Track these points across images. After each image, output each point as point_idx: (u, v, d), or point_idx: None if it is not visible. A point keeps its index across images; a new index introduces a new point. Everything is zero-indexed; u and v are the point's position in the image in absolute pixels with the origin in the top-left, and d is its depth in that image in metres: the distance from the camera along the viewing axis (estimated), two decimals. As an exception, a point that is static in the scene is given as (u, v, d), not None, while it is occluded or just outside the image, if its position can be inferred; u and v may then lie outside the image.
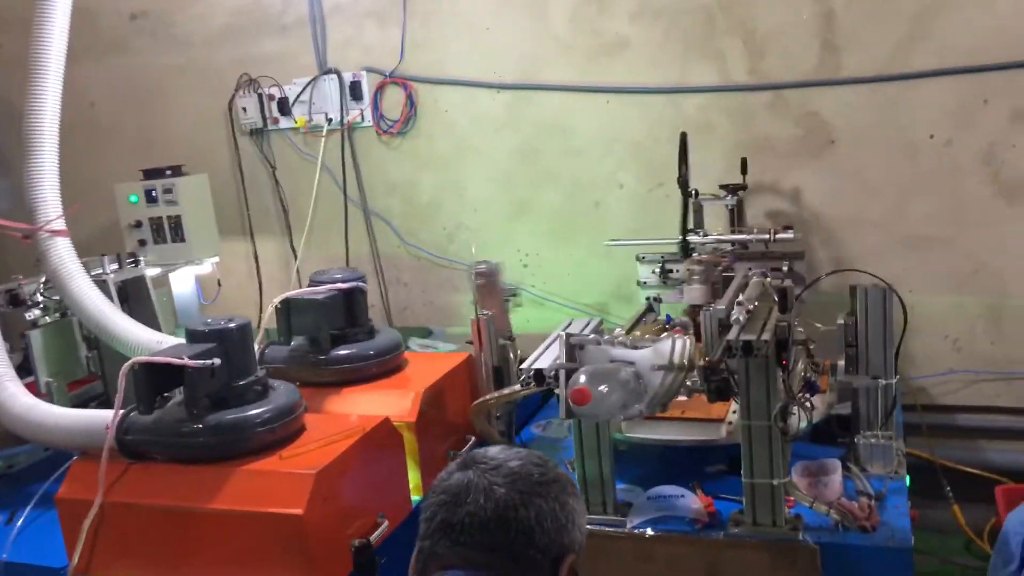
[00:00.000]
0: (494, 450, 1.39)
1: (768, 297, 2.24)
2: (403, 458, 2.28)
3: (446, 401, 2.54)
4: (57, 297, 2.83)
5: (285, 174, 4.05)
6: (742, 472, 2.13)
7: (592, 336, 1.92)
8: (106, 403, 2.61)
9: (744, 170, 3.18)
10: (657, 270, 3.10)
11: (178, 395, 2.08)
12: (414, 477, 2.36)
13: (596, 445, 2.23)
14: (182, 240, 3.70)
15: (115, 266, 3.10)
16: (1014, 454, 3.23)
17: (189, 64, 4.09)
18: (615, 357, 1.90)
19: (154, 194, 3.69)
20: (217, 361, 1.97)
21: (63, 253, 2.60)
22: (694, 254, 2.88)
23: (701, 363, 1.97)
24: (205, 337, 2.04)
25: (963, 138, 3.12)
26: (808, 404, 2.09)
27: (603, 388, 1.72)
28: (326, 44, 3.86)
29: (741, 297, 2.05)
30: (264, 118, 3.99)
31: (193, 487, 1.97)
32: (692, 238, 3.04)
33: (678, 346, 1.92)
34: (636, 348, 1.93)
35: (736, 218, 3.19)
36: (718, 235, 3.06)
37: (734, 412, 2.49)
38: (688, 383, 1.98)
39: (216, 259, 3.84)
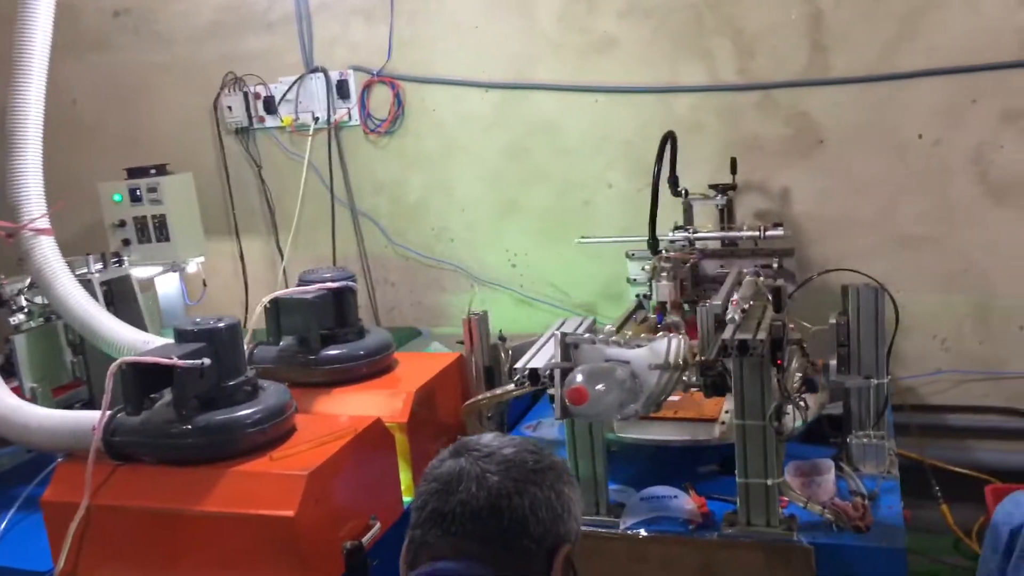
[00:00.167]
0: (487, 437, 1.35)
1: (762, 296, 2.23)
2: (395, 459, 2.26)
3: (437, 401, 2.51)
4: (41, 301, 2.79)
5: (271, 173, 4.02)
6: (736, 472, 2.12)
7: (587, 335, 1.91)
8: (91, 407, 2.56)
9: (734, 170, 3.18)
10: (647, 267, 3.09)
11: (166, 396, 2.04)
12: (405, 478, 2.34)
13: (589, 445, 2.21)
14: (167, 240, 3.67)
15: (100, 265, 3.05)
16: (1002, 454, 3.25)
17: (173, 62, 4.05)
18: (610, 356, 1.89)
19: (138, 193, 3.65)
20: (207, 361, 1.93)
21: (47, 252, 2.56)
22: (663, 251, 2.87)
23: (695, 362, 1.96)
24: (194, 337, 2.01)
25: (952, 138, 3.13)
26: (803, 404, 2.08)
27: (600, 387, 1.70)
28: (312, 42, 3.83)
29: (736, 296, 2.03)
30: (250, 117, 3.96)
31: (182, 489, 1.94)
32: (677, 235, 3.05)
33: (673, 345, 1.91)
34: (631, 347, 1.92)
35: (726, 218, 3.19)
36: (707, 232, 3.07)
37: (727, 412, 2.48)
38: (684, 378, 1.97)
39: (201, 259, 3.81)
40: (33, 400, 2.65)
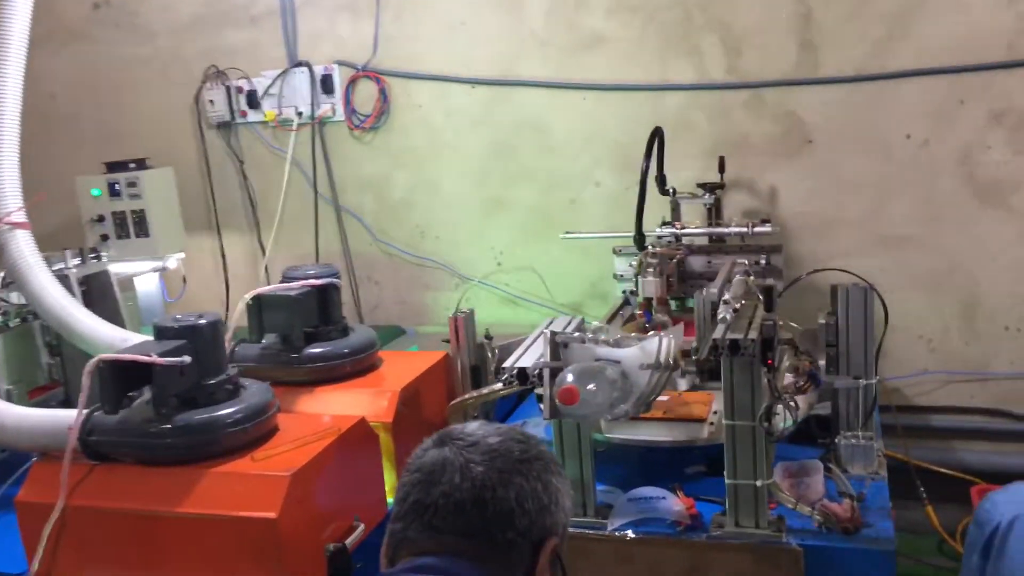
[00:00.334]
0: (473, 425, 1.30)
1: (752, 295, 2.21)
2: (379, 459, 2.22)
3: (423, 401, 2.48)
4: (17, 301, 2.73)
5: (253, 169, 3.96)
6: (725, 473, 2.10)
7: (578, 334, 1.88)
8: (68, 407, 2.50)
9: (722, 169, 3.17)
10: (634, 263, 3.07)
11: (145, 394, 1.99)
12: (390, 478, 2.30)
13: (577, 446, 2.18)
14: (146, 235, 3.61)
15: (77, 260, 2.99)
16: (987, 455, 3.25)
17: (154, 55, 3.98)
18: (600, 356, 1.86)
19: (117, 188, 3.59)
20: (187, 359, 1.89)
21: (23, 246, 2.50)
22: (649, 247, 2.86)
23: (688, 361, 1.93)
24: (174, 334, 1.96)
25: (939, 138, 3.13)
26: (793, 404, 2.07)
27: (591, 387, 1.67)
28: (296, 36, 3.78)
29: (727, 295, 2.01)
30: (232, 111, 3.89)
31: (161, 490, 1.89)
32: (664, 230, 3.04)
33: (664, 344, 1.88)
34: (621, 346, 1.89)
35: (713, 217, 3.17)
36: (695, 227, 3.06)
37: (715, 412, 2.46)
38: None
39: (181, 255, 3.75)
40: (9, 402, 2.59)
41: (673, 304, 3.03)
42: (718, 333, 1.95)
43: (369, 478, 2.17)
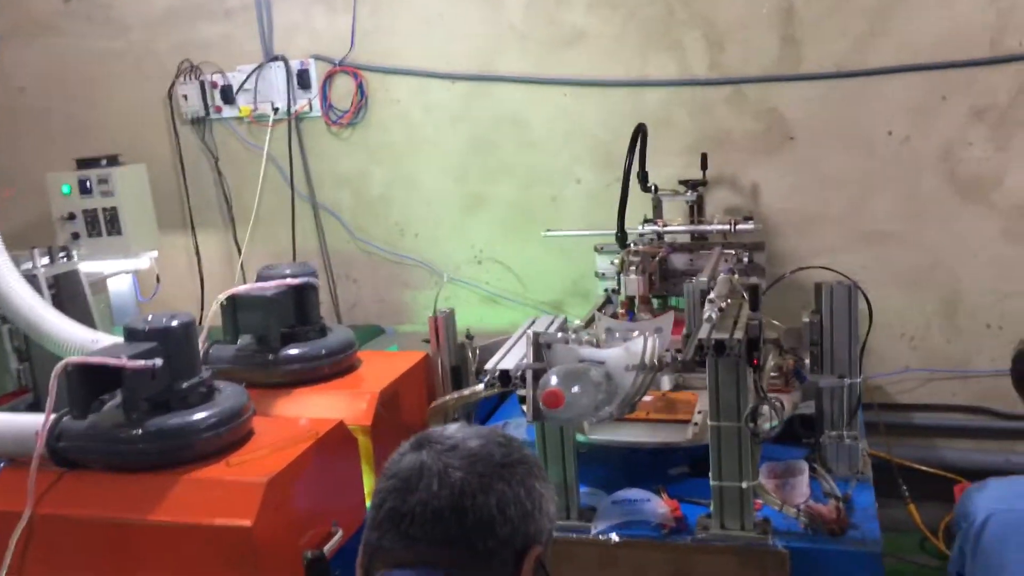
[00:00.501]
0: (452, 428, 1.24)
1: (737, 294, 2.18)
2: (358, 463, 2.17)
3: (402, 402, 2.43)
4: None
5: (228, 165, 3.89)
6: (710, 475, 2.07)
7: (561, 335, 1.84)
8: (37, 409, 2.44)
9: (704, 166, 3.14)
10: (616, 261, 3.03)
11: (117, 398, 1.93)
12: (369, 482, 2.25)
13: (559, 448, 2.14)
14: (118, 233, 3.54)
15: (46, 260, 2.92)
16: (969, 452, 3.25)
17: (127, 49, 3.90)
18: (584, 357, 1.82)
19: (88, 185, 3.52)
20: (158, 361, 1.83)
21: (-11, 244, 2.42)
22: (631, 245, 2.83)
23: (673, 360, 1.90)
24: (145, 336, 1.90)
25: (921, 135, 3.12)
26: (779, 404, 2.04)
27: (576, 390, 1.63)
28: (272, 30, 3.71)
29: (713, 295, 1.98)
30: (206, 106, 3.82)
31: (132, 497, 1.83)
32: (646, 228, 3.01)
33: (649, 345, 1.85)
34: (605, 347, 1.85)
35: (696, 214, 3.15)
36: (678, 225, 3.03)
37: (699, 412, 2.43)
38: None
39: (155, 253, 3.67)
40: (-26, 408, 2.52)
41: (655, 302, 3.00)
42: (703, 333, 1.92)
43: (347, 482, 2.12)
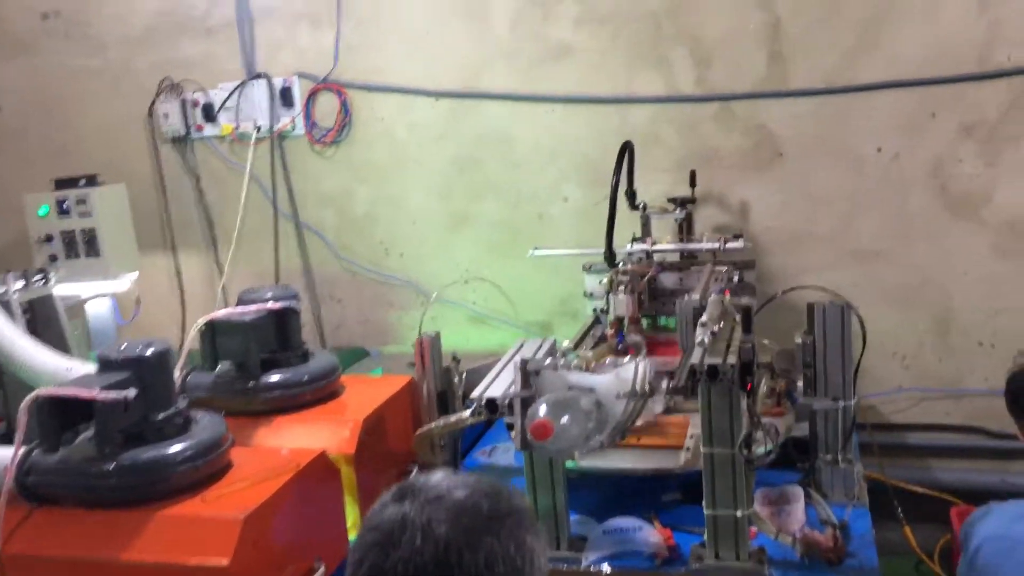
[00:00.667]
0: (438, 476, 1.16)
1: (729, 316, 2.13)
2: (340, 495, 2.10)
3: (387, 429, 2.36)
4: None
5: (210, 184, 3.83)
6: (704, 503, 2.01)
7: (550, 361, 1.78)
8: (7, 441, 2.36)
9: (693, 183, 3.10)
10: (604, 280, 2.99)
11: (89, 430, 1.85)
12: (352, 513, 2.18)
13: (549, 476, 2.08)
14: (97, 255, 3.47)
15: (21, 283, 2.83)
16: (964, 473, 3.21)
17: (106, 67, 3.84)
18: (573, 383, 1.77)
19: (66, 205, 3.45)
20: (131, 393, 1.76)
21: (-41, 270, 2.35)
22: (620, 264, 2.78)
23: (664, 387, 1.85)
24: (118, 365, 1.83)
25: (911, 151, 3.09)
26: (774, 430, 1.98)
27: (565, 420, 1.58)
28: (255, 47, 3.66)
29: (704, 317, 1.93)
30: (187, 125, 3.77)
31: (104, 535, 1.76)
32: (635, 247, 2.96)
33: (640, 371, 1.79)
34: (595, 373, 1.80)
35: (685, 232, 3.10)
36: (667, 243, 2.99)
37: (691, 437, 2.38)
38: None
39: (134, 275, 3.60)
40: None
41: (645, 322, 2.95)
42: (696, 358, 1.86)
43: (330, 515, 2.05)
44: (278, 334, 2.34)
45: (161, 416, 1.86)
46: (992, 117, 2.98)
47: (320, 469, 2.00)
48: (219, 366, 2.29)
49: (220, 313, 2.24)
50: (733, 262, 2.91)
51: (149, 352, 1.86)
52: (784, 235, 3.25)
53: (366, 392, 2.44)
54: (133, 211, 3.64)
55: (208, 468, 1.86)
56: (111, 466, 1.78)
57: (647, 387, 1.81)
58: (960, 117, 3.02)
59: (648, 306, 2.94)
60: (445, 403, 2.44)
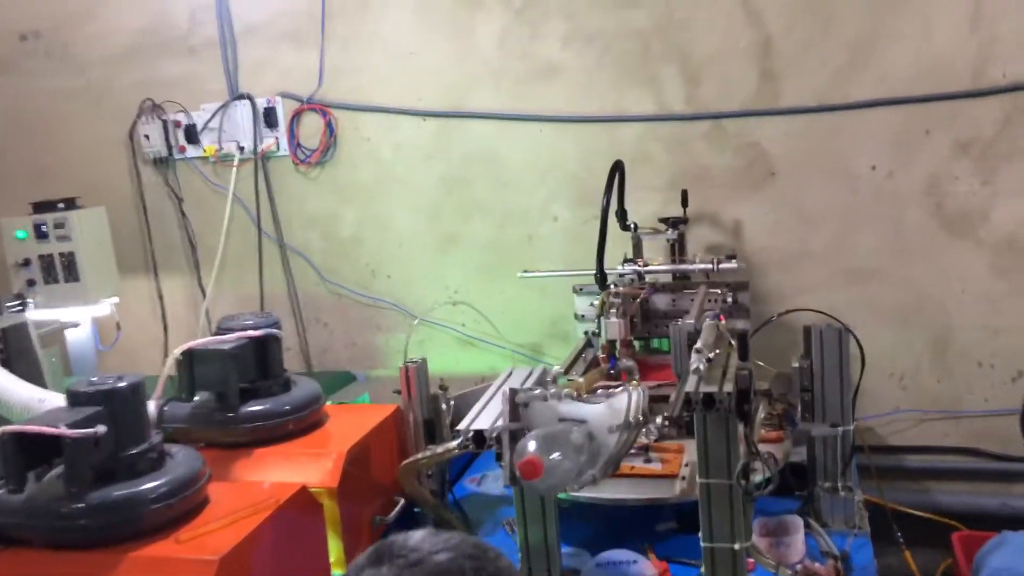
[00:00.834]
0: (417, 537, 1.08)
1: (724, 341, 2.07)
2: (323, 530, 2.02)
3: (372, 460, 2.28)
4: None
5: (193, 207, 3.76)
6: (700, 536, 1.93)
7: (539, 391, 1.71)
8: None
9: (685, 203, 3.05)
10: (595, 303, 2.93)
11: (58, 468, 1.77)
12: (336, 549, 2.10)
13: (540, 508, 2.00)
14: (76, 280, 3.38)
15: (-6, 310, 2.76)
16: (964, 496, 3.14)
17: (86, 88, 3.77)
18: (564, 415, 1.69)
19: (44, 229, 3.36)
20: (101, 429, 1.68)
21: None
22: (611, 286, 2.72)
23: (660, 418, 1.78)
24: (88, 399, 1.75)
25: (905, 169, 3.04)
26: (772, 460, 1.92)
27: (555, 456, 1.50)
28: (237, 67, 3.60)
29: (699, 343, 1.86)
30: (169, 146, 3.70)
31: (73, 578, 1.68)
32: (626, 268, 2.91)
33: (634, 400, 1.72)
34: (587, 403, 1.73)
35: (677, 253, 3.04)
36: (659, 264, 2.93)
37: (686, 466, 2.31)
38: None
39: (115, 300, 3.51)
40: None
41: (637, 345, 2.89)
42: (691, 386, 1.80)
43: (311, 552, 1.97)
44: (259, 362, 2.26)
45: (133, 452, 1.77)
46: (987, 134, 2.94)
47: (301, 504, 1.92)
48: (198, 395, 2.21)
49: (198, 342, 2.16)
50: (726, 283, 2.86)
51: (121, 385, 1.78)
52: (778, 255, 3.20)
53: (350, 421, 2.36)
54: (114, 234, 3.56)
55: (183, 506, 1.78)
56: (80, 505, 1.70)
57: (640, 416, 1.74)
58: (955, 134, 2.97)
59: (640, 328, 2.88)
60: (432, 432, 2.36)
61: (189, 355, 2.14)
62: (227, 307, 3.70)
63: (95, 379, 1.81)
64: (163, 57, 3.67)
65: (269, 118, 3.59)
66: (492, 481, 2.73)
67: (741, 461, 1.85)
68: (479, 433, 1.84)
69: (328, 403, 2.69)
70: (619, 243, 2.96)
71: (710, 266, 2.84)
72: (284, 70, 3.56)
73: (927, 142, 3.00)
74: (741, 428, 1.85)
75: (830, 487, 2.31)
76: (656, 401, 1.97)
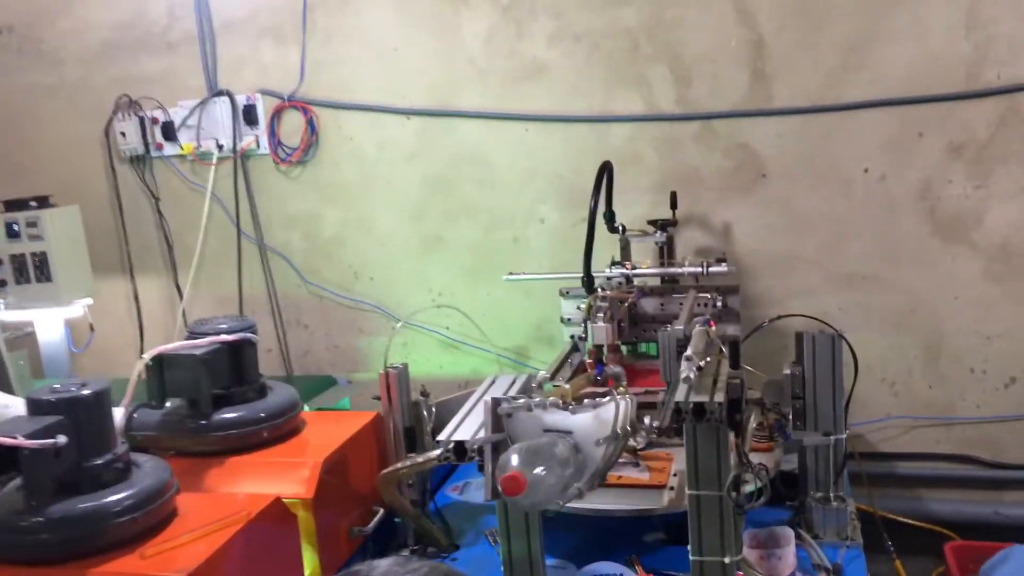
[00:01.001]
0: (384, 565, 1.04)
1: (715, 348, 2.00)
2: (297, 543, 1.94)
3: (350, 469, 2.20)
4: None
5: (170, 206, 3.67)
6: (690, 549, 1.87)
7: (523, 401, 1.63)
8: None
9: (674, 205, 2.98)
10: (582, 306, 2.86)
11: (18, 480, 1.69)
12: (311, 561, 2.02)
13: (524, 520, 1.93)
14: (48, 280, 3.28)
15: (-39, 312, 2.67)
16: (956, 503, 3.09)
17: (60, 84, 3.68)
18: (549, 425, 1.62)
19: (16, 228, 3.28)
20: (62, 439, 1.60)
21: None
22: (599, 290, 2.65)
23: (649, 428, 1.71)
24: (50, 407, 1.66)
25: (898, 172, 2.98)
26: (764, 471, 1.85)
27: (539, 471, 1.43)
28: (216, 63, 3.51)
29: (689, 351, 1.80)
30: (146, 143, 3.61)
31: (32, 596, 1.59)
32: (614, 271, 2.83)
33: (621, 410, 1.65)
34: (573, 413, 1.65)
35: (666, 256, 2.98)
36: (647, 268, 2.86)
37: (675, 475, 2.25)
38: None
39: (89, 301, 3.42)
40: None
41: (624, 349, 2.83)
42: (680, 395, 1.73)
43: (285, 566, 1.89)
44: (233, 368, 2.17)
45: (97, 463, 1.69)
46: (982, 137, 2.89)
47: (273, 517, 1.84)
48: (169, 403, 2.12)
49: (169, 347, 2.07)
50: (716, 287, 2.79)
51: (84, 393, 1.69)
52: (769, 258, 3.14)
53: (328, 429, 2.28)
54: (89, 233, 3.47)
55: (149, 519, 1.69)
56: (40, 519, 1.61)
57: (628, 427, 1.67)
58: (948, 137, 2.92)
59: (628, 333, 2.82)
60: (413, 440, 2.28)
61: (159, 360, 2.06)
62: (205, 308, 3.62)
63: (57, 386, 1.72)
64: (140, 53, 3.57)
65: (249, 115, 3.50)
66: (475, 489, 2.66)
67: (732, 473, 1.79)
68: (460, 444, 1.77)
69: (307, 408, 2.63)
70: (607, 246, 2.89)
71: (700, 269, 2.78)
72: (264, 66, 3.47)
73: (920, 144, 2.95)
74: (732, 438, 1.79)
75: (822, 497, 2.27)
76: (644, 408, 1.90)
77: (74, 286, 3.36)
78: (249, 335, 2.19)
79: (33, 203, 3.30)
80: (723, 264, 2.79)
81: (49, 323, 3.40)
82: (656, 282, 2.93)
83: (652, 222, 2.98)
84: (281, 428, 2.19)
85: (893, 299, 3.06)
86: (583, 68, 3.18)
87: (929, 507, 3.08)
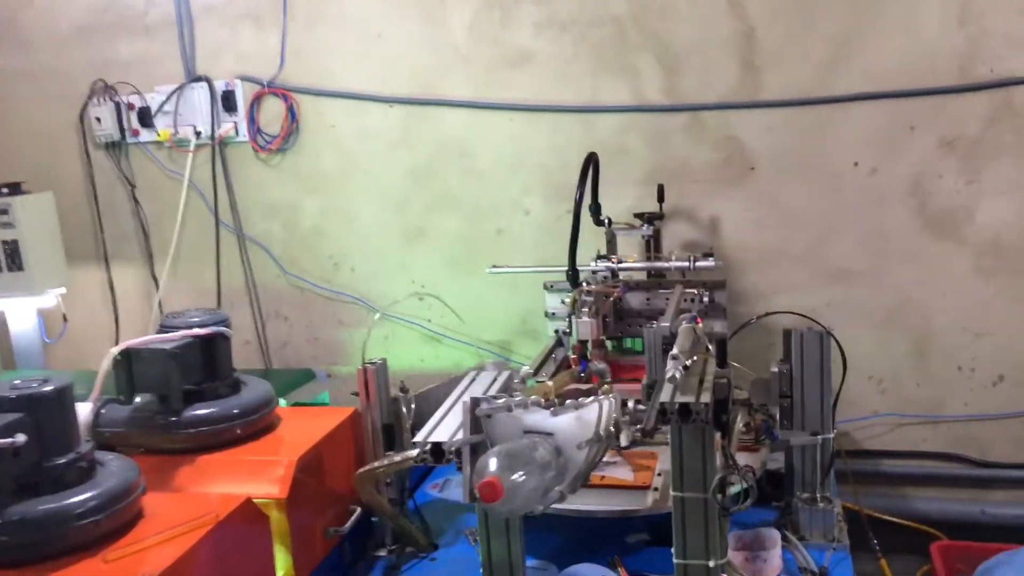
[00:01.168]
0: None
1: (701, 346, 1.95)
2: (269, 545, 1.88)
3: (326, 467, 2.14)
4: None
5: (146, 193, 3.59)
6: (674, 552, 1.82)
7: (502, 401, 1.58)
8: None
9: (661, 198, 2.93)
10: (567, 300, 2.81)
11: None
12: (284, 562, 1.96)
13: (504, 522, 1.88)
14: (20, 268, 3.21)
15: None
16: (942, 502, 3.07)
17: (34, 68, 3.59)
18: (529, 427, 1.57)
19: (-14, 215, 3.19)
20: (21, 438, 1.53)
21: None
22: (584, 284, 2.60)
23: (633, 430, 1.66)
24: (10, 405, 1.59)
25: (888, 167, 2.94)
26: (751, 473, 1.80)
27: (518, 477, 1.37)
28: (195, 48, 3.43)
29: (676, 349, 1.74)
30: (122, 129, 3.53)
31: (-11, 601, 1.53)
32: (600, 265, 2.78)
33: (604, 411, 1.60)
34: (555, 414, 1.60)
35: (652, 249, 2.93)
36: (633, 262, 2.81)
37: (659, 475, 2.20)
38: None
39: (62, 290, 3.34)
40: None
41: (609, 345, 2.78)
42: (666, 395, 1.67)
43: (256, 569, 1.83)
44: (205, 363, 2.10)
45: (59, 462, 1.62)
46: (973, 131, 2.84)
47: (244, 518, 1.77)
48: (138, 398, 2.05)
49: (137, 340, 2.00)
50: (703, 281, 2.75)
51: (45, 389, 1.62)
52: (756, 253, 3.09)
53: (304, 426, 2.21)
54: (63, 221, 3.40)
55: (113, 521, 1.63)
56: (-1, 521, 1.55)
57: (611, 428, 1.62)
58: (940, 131, 2.87)
59: (613, 328, 2.77)
60: (391, 437, 2.22)
61: (127, 354, 1.99)
62: (182, 299, 3.54)
63: (18, 382, 1.65)
64: (116, 37, 3.49)
65: (227, 102, 3.42)
66: (456, 486, 2.60)
67: (718, 475, 1.74)
68: (437, 446, 1.71)
69: (283, 403, 2.56)
70: (593, 239, 2.84)
71: (686, 264, 2.73)
72: (244, 52, 3.39)
73: (911, 139, 2.91)
74: (718, 439, 1.74)
75: (808, 498, 2.22)
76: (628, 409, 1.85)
77: (47, 275, 3.29)
78: (222, 329, 2.12)
79: (4, 189, 3.23)
80: (710, 259, 2.74)
81: (21, 313, 3.33)
82: (642, 276, 2.88)
83: (639, 215, 2.93)
84: (255, 425, 2.12)
85: (881, 295, 3.02)
86: (570, 57, 3.12)
87: (915, 506, 3.05)
